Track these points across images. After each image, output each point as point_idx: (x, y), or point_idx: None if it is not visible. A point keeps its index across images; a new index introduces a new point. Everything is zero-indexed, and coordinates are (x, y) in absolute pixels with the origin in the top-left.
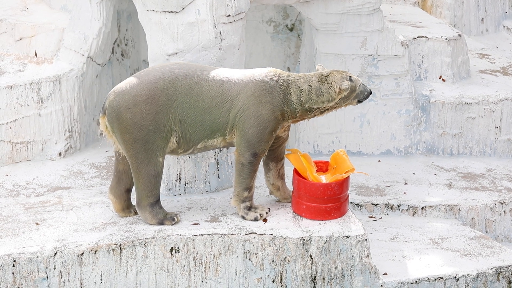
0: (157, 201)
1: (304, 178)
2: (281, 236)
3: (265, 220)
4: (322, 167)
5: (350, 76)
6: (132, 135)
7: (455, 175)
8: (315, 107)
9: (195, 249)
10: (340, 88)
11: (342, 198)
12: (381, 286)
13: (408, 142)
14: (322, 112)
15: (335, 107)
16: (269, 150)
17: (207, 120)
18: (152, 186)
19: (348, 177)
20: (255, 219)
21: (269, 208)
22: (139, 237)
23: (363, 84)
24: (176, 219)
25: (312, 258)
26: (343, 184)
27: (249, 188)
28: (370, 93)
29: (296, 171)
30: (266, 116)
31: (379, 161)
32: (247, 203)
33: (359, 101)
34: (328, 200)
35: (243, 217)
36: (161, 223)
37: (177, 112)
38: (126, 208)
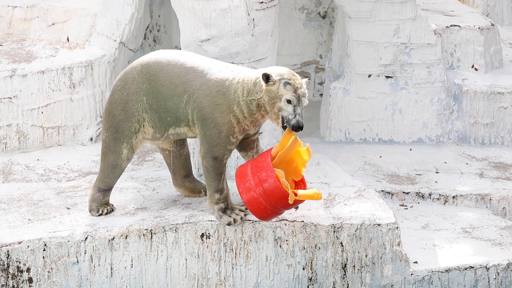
0: (105, 190)
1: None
2: (312, 223)
3: (297, 208)
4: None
5: (286, 81)
6: (107, 123)
7: (486, 165)
8: (253, 98)
9: (226, 235)
10: (261, 75)
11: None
12: (412, 274)
13: (440, 131)
14: (262, 114)
15: (264, 111)
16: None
17: (170, 107)
18: (106, 174)
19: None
20: (228, 224)
21: (245, 213)
22: (170, 222)
23: (296, 108)
24: (101, 212)
25: (342, 246)
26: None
27: (220, 190)
28: (298, 126)
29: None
30: (220, 119)
31: (410, 149)
32: (221, 205)
33: (283, 123)
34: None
35: (218, 219)
36: (89, 209)
37: (145, 97)
38: (196, 189)
